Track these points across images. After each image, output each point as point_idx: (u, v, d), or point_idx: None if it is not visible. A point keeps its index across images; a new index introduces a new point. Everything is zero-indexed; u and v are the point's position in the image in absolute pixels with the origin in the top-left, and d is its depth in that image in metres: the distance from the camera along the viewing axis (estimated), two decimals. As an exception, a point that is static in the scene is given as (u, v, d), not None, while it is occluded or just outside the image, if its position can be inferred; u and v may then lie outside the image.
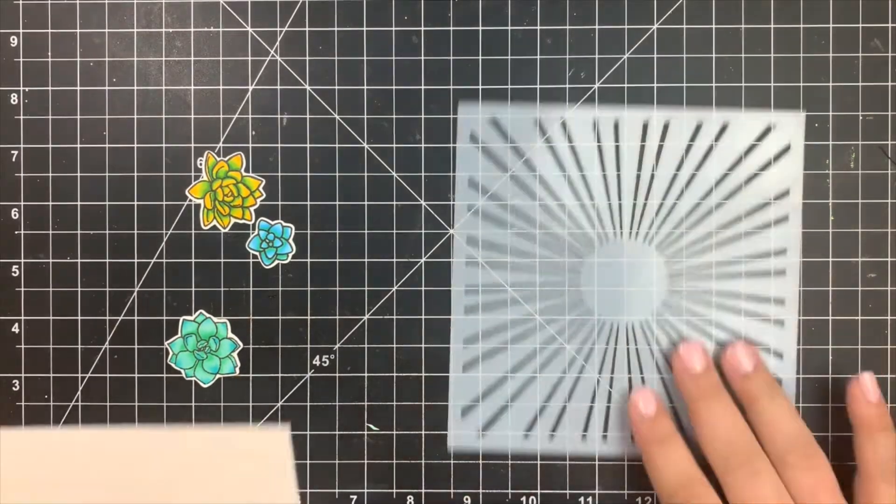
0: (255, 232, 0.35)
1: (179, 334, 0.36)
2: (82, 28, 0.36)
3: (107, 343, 0.36)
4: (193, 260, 0.35)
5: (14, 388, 0.35)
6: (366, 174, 0.35)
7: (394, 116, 0.35)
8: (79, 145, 0.36)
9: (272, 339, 0.35)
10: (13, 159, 0.36)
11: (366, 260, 0.35)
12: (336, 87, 0.35)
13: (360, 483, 0.35)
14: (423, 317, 0.35)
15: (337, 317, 0.35)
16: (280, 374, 0.35)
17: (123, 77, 0.36)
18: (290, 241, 0.35)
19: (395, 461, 0.35)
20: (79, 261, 0.36)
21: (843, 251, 0.35)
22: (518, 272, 0.35)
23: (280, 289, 0.35)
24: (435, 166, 0.35)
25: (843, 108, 0.35)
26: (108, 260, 0.36)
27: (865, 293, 0.35)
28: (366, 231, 0.35)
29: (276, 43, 0.35)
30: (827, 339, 0.35)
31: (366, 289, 0.35)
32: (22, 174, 0.36)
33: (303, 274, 0.35)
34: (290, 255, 0.35)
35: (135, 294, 0.35)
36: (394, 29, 0.35)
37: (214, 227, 0.35)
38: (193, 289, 0.35)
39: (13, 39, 0.36)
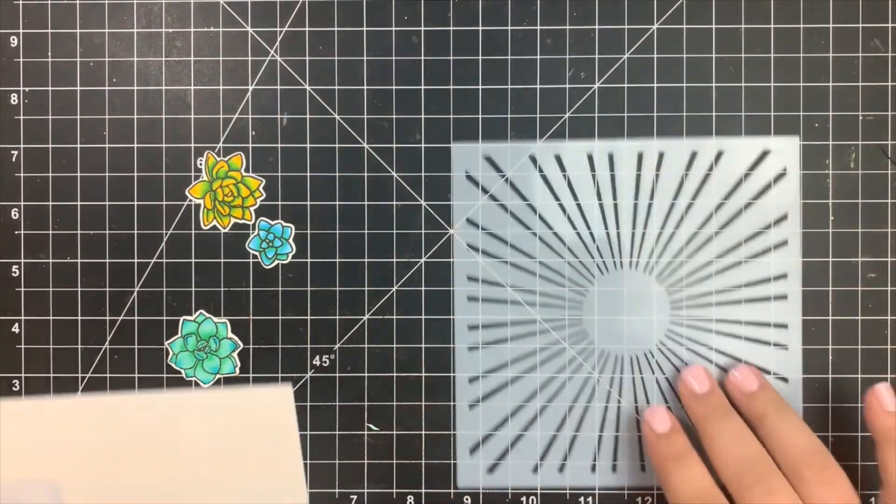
0: (255, 232, 0.35)
1: (179, 334, 0.36)
2: (82, 28, 0.36)
3: (107, 343, 0.36)
4: (193, 260, 0.35)
5: (14, 388, 0.35)
6: (366, 174, 0.35)
7: (394, 116, 0.35)
8: (79, 145, 0.36)
9: (272, 339, 0.35)
10: (13, 159, 0.36)
11: (366, 260, 0.35)
12: (336, 87, 0.35)
13: (360, 483, 0.35)
14: (423, 317, 0.35)
15: (337, 317, 0.35)
16: (280, 374, 0.35)
17: (123, 77, 0.36)
18: (290, 241, 0.35)
19: (395, 461, 0.35)
20: (79, 261, 0.36)
21: (843, 251, 0.35)
22: (518, 305, 0.35)
23: (280, 289, 0.35)
24: (435, 166, 0.35)
25: (843, 108, 0.35)
26: (108, 260, 0.36)
27: (865, 293, 0.35)
28: (366, 231, 0.35)
29: (276, 43, 0.35)
30: (827, 339, 0.35)
31: (366, 289, 0.35)
32: (22, 174, 0.36)
33: (303, 274, 0.35)
34: (290, 255, 0.35)
35: (135, 294, 0.35)
36: (394, 29, 0.35)
37: (214, 227, 0.35)
38: (193, 289, 0.35)
39: (13, 39, 0.36)
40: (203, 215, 0.35)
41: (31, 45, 0.36)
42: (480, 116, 0.35)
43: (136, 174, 0.36)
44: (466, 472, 0.35)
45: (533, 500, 0.35)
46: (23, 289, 0.36)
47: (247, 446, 0.33)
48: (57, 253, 0.36)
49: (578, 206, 0.35)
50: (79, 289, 0.35)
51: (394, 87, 0.35)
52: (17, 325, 0.36)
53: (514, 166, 0.35)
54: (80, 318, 0.35)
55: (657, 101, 0.35)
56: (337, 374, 0.35)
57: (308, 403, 0.35)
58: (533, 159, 0.35)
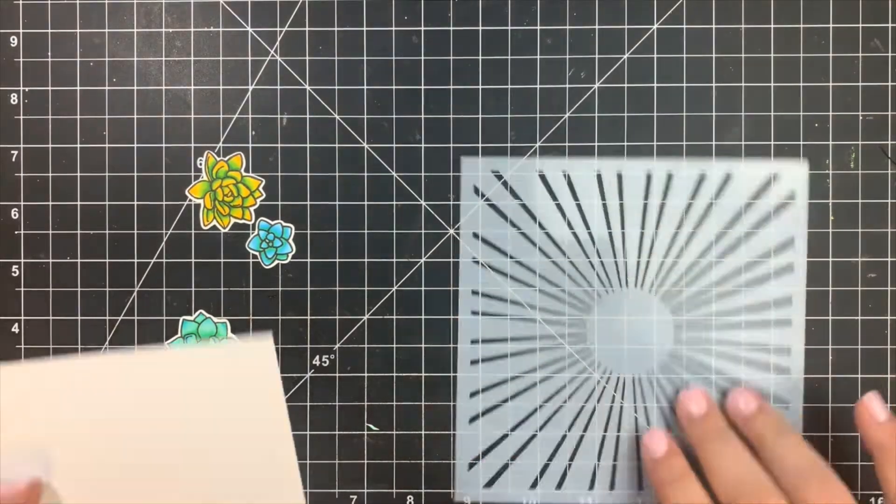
0: (255, 232, 0.35)
1: (179, 334, 0.36)
2: (82, 28, 0.36)
3: (107, 343, 0.36)
4: (193, 260, 0.35)
5: (14, 388, 0.35)
6: (366, 174, 0.35)
7: (394, 116, 0.35)
8: (79, 145, 0.36)
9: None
10: (13, 159, 0.36)
11: (366, 260, 0.35)
12: (336, 87, 0.35)
13: (360, 483, 0.35)
14: (422, 317, 0.35)
15: (337, 317, 0.35)
16: (280, 375, 0.35)
17: (123, 77, 0.36)
18: (290, 241, 0.35)
19: (395, 461, 0.35)
20: (79, 261, 0.36)
21: (843, 251, 0.35)
22: (521, 325, 0.35)
23: (280, 289, 0.35)
24: (435, 166, 0.35)
25: (843, 108, 0.35)
26: (108, 260, 0.36)
27: (865, 293, 0.35)
28: (366, 231, 0.35)
29: (276, 43, 0.35)
30: (827, 339, 0.35)
31: (366, 289, 0.35)
32: (22, 174, 0.36)
33: (303, 274, 0.35)
34: (290, 255, 0.35)
35: (135, 294, 0.35)
36: (394, 29, 0.35)
37: (214, 227, 0.35)
38: (193, 289, 0.35)
39: (13, 39, 0.36)
40: (203, 215, 0.35)
41: (31, 45, 0.36)
42: (480, 116, 0.35)
43: (136, 174, 0.36)
44: (464, 485, 0.35)
45: (533, 499, 0.35)
46: (23, 289, 0.36)
47: (232, 400, 0.33)
48: (57, 253, 0.36)
49: (588, 231, 0.35)
50: (79, 289, 0.35)
51: (394, 87, 0.35)
52: (16, 325, 0.36)
53: (522, 184, 0.35)
54: (80, 318, 0.35)
55: (657, 101, 0.35)
56: (337, 374, 0.35)
57: (308, 403, 0.35)
58: (543, 178, 0.35)
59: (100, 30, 0.36)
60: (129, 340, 0.35)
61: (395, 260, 0.35)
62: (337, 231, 0.35)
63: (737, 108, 0.35)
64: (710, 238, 0.35)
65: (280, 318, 0.35)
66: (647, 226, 0.35)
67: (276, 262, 0.35)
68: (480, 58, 0.35)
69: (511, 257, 0.35)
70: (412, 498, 0.35)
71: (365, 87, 0.35)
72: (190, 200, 0.36)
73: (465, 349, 0.35)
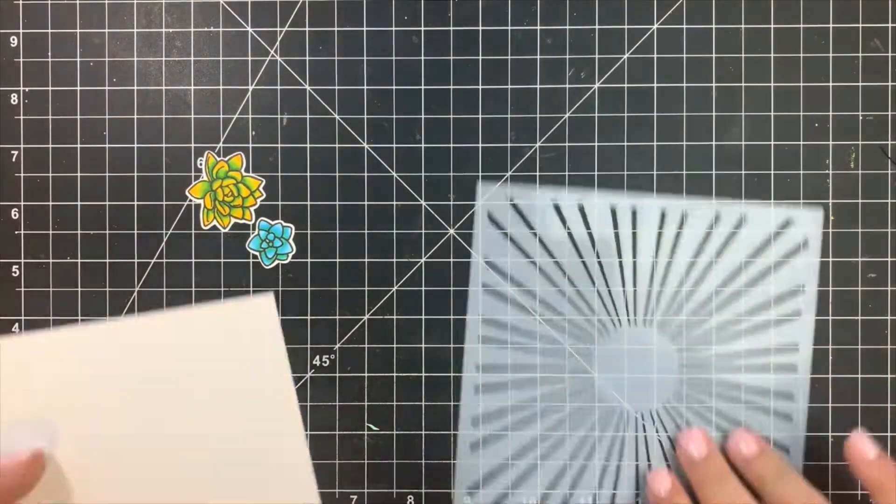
0: (255, 232, 0.35)
1: (179, 334, 0.36)
2: (82, 28, 0.36)
3: (107, 343, 0.36)
4: (193, 260, 0.35)
5: (14, 388, 0.35)
6: (366, 174, 0.35)
7: (394, 116, 0.35)
8: (79, 145, 0.36)
9: (272, 339, 0.35)
10: (13, 159, 0.36)
11: (366, 260, 0.35)
12: (336, 87, 0.35)
13: (360, 483, 0.35)
14: (423, 317, 0.35)
15: (337, 317, 0.35)
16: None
17: (123, 77, 0.36)
18: (290, 241, 0.35)
19: (395, 461, 0.35)
20: (79, 261, 0.36)
21: (843, 251, 0.35)
22: (522, 354, 0.35)
23: (280, 289, 0.35)
24: (435, 166, 0.35)
25: (843, 108, 0.35)
26: (108, 260, 0.36)
27: (865, 293, 0.35)
28: (366, 231, 0.35)
29: (276, 43, 0.35)
30: (827, 339, 0.35)
31: (366, 289, 0.35)
32: (22, 174, 0.36)
33: (303, 274, 0.35)
34: (290, 255, 0.35)
35: (135, 294, 0.35)
36: (394, 29, 0.35)
37: (214, 227, 0.35)
38: (193, 289, 0.35)
39: (13, 39, 0.36)
40: (203, 215, 0.35)
41: (31, 45, 0.36)
42: (480, 116, 0.35)
43: (136, 174, 0.36)
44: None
45: (533, 499, 0.35)
46: (23, 289, 0.36)
47: (235, 359, 0.33)
48: (57, 253, 0.36)
49: (599, 263, 0.35)
50: (79, 289, 0.35)
51: (394, 87, 0.35)
52: (17, 325, 0.36)
53: (536, 213, 0.35)
54: (80, 318, 0.35)
55: (657, 101, 0.35)
56: (337, 374, 0.35)
57: (308, 403, 0.35)
58: (557, 209, 0.35)
59: (100, 30, 0.36)
60: (129, 340, 0.35)
61: (395, 260, 0.35)
62: (337, 231, 0.35)
63: (737, 108, 0.35)
64: (721, 277, 0.35)
65: (280, 318, 0.35)
66: (661, 256, 0.35)
67: (276, 262, 0.35)
68: (480, 58, 0.35)
69: (522, 286, 0.35)
70: (412, 498, 0.35)
71: (365, 87, 0.35)
72: (190, 200, 0.36)
73: (468, 378, 0.35)
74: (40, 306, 0.36)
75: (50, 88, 0.36)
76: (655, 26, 0.35)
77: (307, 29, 0.35)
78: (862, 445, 0.31)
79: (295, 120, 0.35)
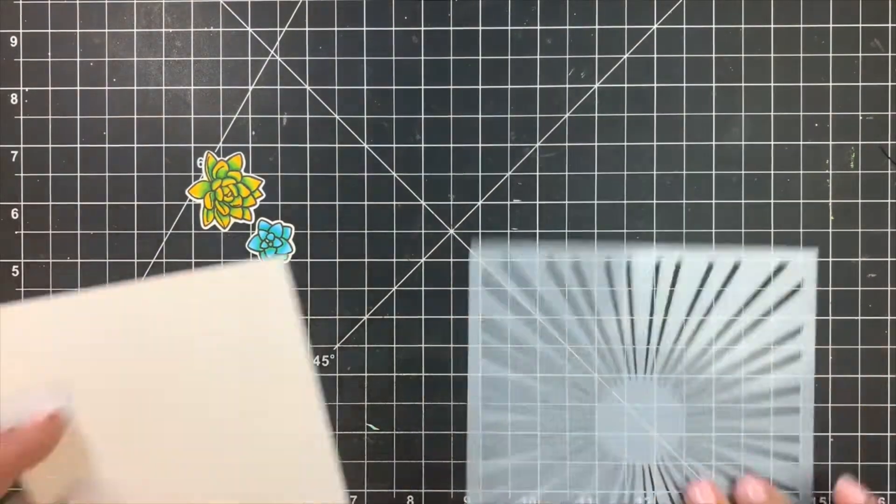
0: (255, 232, 0.35)
1: (179, 334, 0.35)
2: (82, 28, 0.36)
3: (107, 343, 0.35)
4: (193, 260, 0.35)
5: (14, 388, 0.35)
6: (366, 174, 0.35)
7: (394, 116, 0.35)
8: (79, 145, 0.36)
9: (272, 339, 0.35)
10: (13, 159, 0.36)
11: (366, 260, 0.35)
12: (336, 87, 0.35)
13: (360, 483, 0.35)
14: (422, 317, 0.35)
15: (337, 317, 0.35)
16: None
17: (123, 77, 0.36)
18: (290, 241, 0.35)
19: (395, 461, 0.35)
20: (79, 261, 0.35)
21: (843, 251, 0.35)
22: (527, 413, 0.35)
23: (280, 289, 0.35)
24: (435, 166, 0.35)
25: (843, 108, 0.35)
26: (108, 260, 0.36)
27: (865, 293, 0.35)
28: (366, 231, 0.35)
29: (276, 43, 0.35)
30: (827, 339, 0.35)
31: (366, 289, 0.35)
32: (22, 174, 0.36)
33: (303, 274, 0.35)
34: (290, 255, 0.35)
35: (135, 294, 0.35)
36: (394, 29, 0.35)
37: (214, 227, 0.35)
38: (193, 289, 0.35)
39: (13, 39, 0.36)
40: (203, 215, 0.35)
41: (31, 45, 0.36)
42: (480, 116, 0.35)
43: (136, 174, 0.36)
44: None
45: (533, 499, 0.35)
46: (23, 289, 0.36)
47: (246, 321, 0.32)
48: (57, 253, 0.36)
49: (599, 320, 0.35)
50: (79, 289, 0.35)
51: (394, 87, 0.35)
52: (17, 325, 0.36)
53: (530, 270, 0.35)
54: (80, 318, 0.35)
55: (657, 101, 0.35)
56: (337, 374, 0.35)
57: (308, 403, 0.35)
58: (552, 267, 0.35)
59: (100, 30, 0.36)
60: (129, 340, 0.35)
61: (395, 260, 0.35)
62: (337, 231, 0.35)
63: (737, 108, 0.35)
64: (718, 326, 0.35)
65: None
66: (656, 313, 0.35)
67: (276, 262, 0.35)
68: (480, 58, 0.35)
69: (523, 344, 0.35)
70: (412, 498, 0.35)
71: (365, 87, 0.35)
72: (190, 200, 0.36)
73: (474, 436, 0.35)
74: (40, 306, 0.36)
75: (50, 88, 0.36)
76: (655, 26, 0.35)
77: (307, 29, 0.35)
78: (849, 493, 0.32)
79: (295, 120, 0.35)
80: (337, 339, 0.35)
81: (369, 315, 0.35)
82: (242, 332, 0.32)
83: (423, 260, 0.35)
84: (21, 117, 0.36)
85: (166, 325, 0.32)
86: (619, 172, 0.35)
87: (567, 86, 0.35)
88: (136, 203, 0.36)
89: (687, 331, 0.35)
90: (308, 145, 0.35)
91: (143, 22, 0.36)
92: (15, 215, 0.36)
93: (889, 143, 0.35)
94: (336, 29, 0.35)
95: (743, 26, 0.35)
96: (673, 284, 0.35)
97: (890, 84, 0.35)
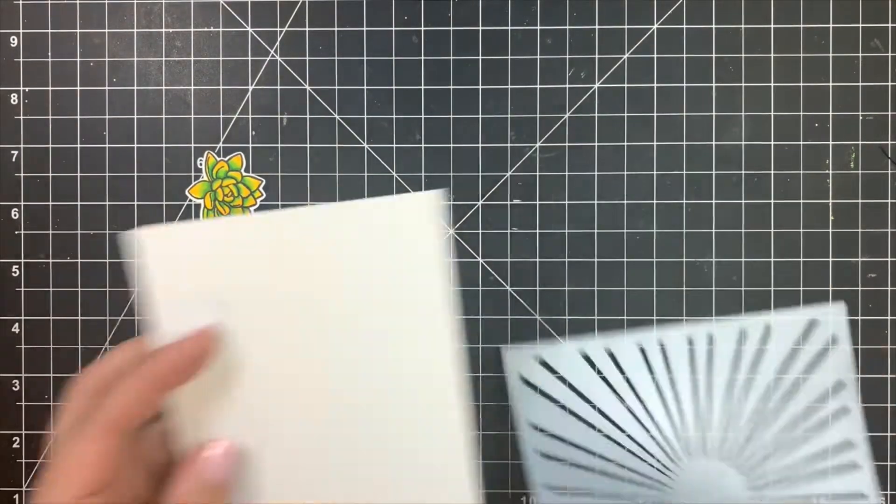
0: (255, 232, 0.35)
1: (179, 334, 0.35)
2: (82, 28, 0.36)
3: (107, 343, 0.35)
4: (193, 260, 0.35)
5: (14, 388, 0.35)
6: (366, 174, 0.35)
7: (394, 116, 0.35)
8: (79, 145, 0.36)
9: (272, 339, 0.35)
10: (13, 159, 0.36)
11: (366, 260, 0.35)
12: (336, 87, 0.35)
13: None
14: (423, 317, 0.35)
15: (337, 317, 0.35)
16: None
17: (123, 77, 0.36)
18: (290, 241, 0.35)
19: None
20: (79, 261, 0.35)
21: (843, 251, 0.35)
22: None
23: (280, 289, 0.35)
24: (435, 166, 0.35)
25: (843, 108, 0.35)
26: (108, 260, 0.36)
27: (865, 293, 0.35)
28: (366, 231, 0.35)
29: (276, 43, 0.35)
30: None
31: (366, 289, 0.35)
32: (22, 174, 0.36)
33: (303, 274, 0.35)
34: (290, 255, 0.35)
35: (135, 294, 0.35)
36: (394, 29, 0.35)
37: (214, 227, 0.35)
38: (193, 289, 0.35)
39: (13, 39, 0.36)
40: (203, 215, 0.35)
41: (31, 45, 0.36)
42: (480, 116, 0.35)
43: (136, 174, 0.36)
44: None
45: (534, 499, 0.35)
46: (23, 289, 0.36)
47: (388, 266, 0.27)
48: (57, 253, 0.36)
49: (641, 402, 0.34)
50: (79, 289, 0.35)
51: (394, 87, 0.35)
52: (17, 325, 0.36)
53: (566, 366, 0.35)
54: (80, 318, 0.35)
55: (657, 101, 0.35)
56: (337, 374, 0.35)
57: (308, 403, 0.35)
58: (587, 358, 0.34)
59: (100, 30, 0.36)
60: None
61: (395, 260, 0.35)
62: (337, 231, 0.35)
63: (737, 108, 0.35)
64: (764, 396, 0.34)
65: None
66: (700, 390, 0.34)
67: (276, 262, 0.35)
68: (480, 58, 0.35)
69: (572, 444, 0.35)
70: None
71: (365, 87, 0.35)
72: (190, 200, 0.36)
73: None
74: (40, 306, 0.36)
75: (50, 88, 0.36)
76: (655, 26, 0.35)
77: (307, 29, 0.35)
78: None
79: (295, 120, 0.35)
80: (337, 339, 0.35)
81: (369, 315, 0.35)
82: (382, 277, 0.27)
83: (423, 260, 0.35)
84: (21, 117, 0.36)
85: (312, 259, 0.27)
86: (619, 172, 0.35)
87: (567, 86, 0.35)
88: (136, 203, 0.36)
89: (732, 407, 0.34)
90: (308, 145, 0.35)
91: (143, 22, 0.36)
92: (15, 215, 0.36)
93: (889, 143, 0.35)
94: (336, 29, 0.35)
95: (743, 26, 0.35)
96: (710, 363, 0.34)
97: (890, 84, 0.35)
